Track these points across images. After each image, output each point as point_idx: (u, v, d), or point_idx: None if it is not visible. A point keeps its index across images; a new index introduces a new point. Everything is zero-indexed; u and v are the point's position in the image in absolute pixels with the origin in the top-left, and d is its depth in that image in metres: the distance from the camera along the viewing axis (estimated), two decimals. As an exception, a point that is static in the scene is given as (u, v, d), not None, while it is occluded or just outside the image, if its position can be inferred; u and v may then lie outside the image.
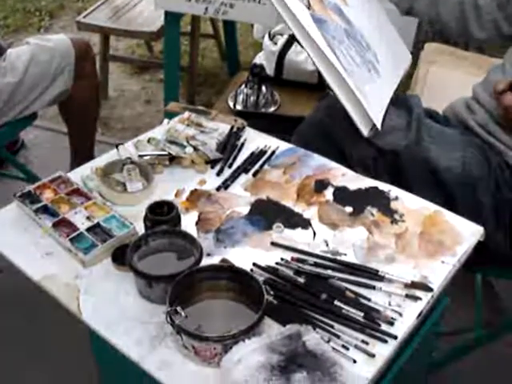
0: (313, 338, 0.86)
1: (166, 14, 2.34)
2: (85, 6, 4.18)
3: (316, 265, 1.05)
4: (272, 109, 2.81)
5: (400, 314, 0.96)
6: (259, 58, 3.00)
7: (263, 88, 2.79)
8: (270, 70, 2.87)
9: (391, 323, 0.95)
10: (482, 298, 1.79)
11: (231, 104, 2.84)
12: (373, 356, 0.90)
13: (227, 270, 0.99)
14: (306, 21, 1.26)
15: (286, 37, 2.85)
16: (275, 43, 2.88)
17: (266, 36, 2.94)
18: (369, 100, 1.28)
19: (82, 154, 2.30)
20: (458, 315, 1.65)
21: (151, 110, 3.02)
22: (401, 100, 1.47)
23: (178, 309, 0.90)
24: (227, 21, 2.91)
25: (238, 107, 2.81)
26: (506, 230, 1.35)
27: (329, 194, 1.24)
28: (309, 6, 1.33)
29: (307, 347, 0.85)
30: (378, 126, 1.30)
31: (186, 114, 1.47)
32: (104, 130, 2.91)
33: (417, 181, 1.30)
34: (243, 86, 2.80)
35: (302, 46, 1.29)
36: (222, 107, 2.86)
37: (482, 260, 1.35)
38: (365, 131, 1.32)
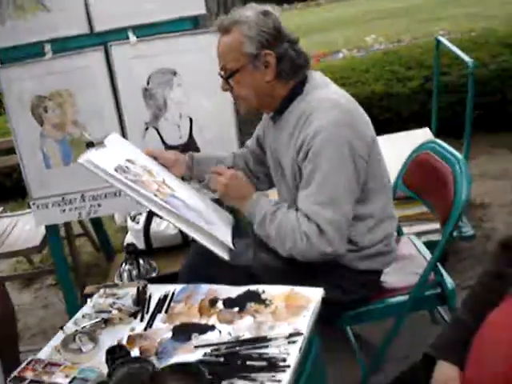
0: None
1: (47, 227, 2.85)
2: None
3: (228, 348, 1.59)
4: (154, 274, 3.35)
5: (288, 354, 1.52)
6: (129, 238, 3.56)
7: (140, 261, 3.33)
8: (140, 245, 3.42)
9: (284, 359, 1.50)
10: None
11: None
12: (279, 381, 1.43)
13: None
14: (158, 201, 1.89)
15: (144, 214, 3.47)
16: (137, 222, 3.49)
17: (129, 219, 3.55)
18: (216, 232, 1.93)
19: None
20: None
21: (51, 313, 3.41)
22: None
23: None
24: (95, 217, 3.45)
25: (126, 283, 3.31)
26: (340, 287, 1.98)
27: (220, 305, 1.79)
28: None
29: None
30: (231, 245, 1.93)
31: (102, 291, 1.99)
32: (14, 342, 3.23)
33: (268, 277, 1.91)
34: (123, 264, 3.33)
35: (160, 217, 1.92)
36: (111, 287, 3.35)
37: (334, 314, 1.99)
38: (225, 256, 1.93)
